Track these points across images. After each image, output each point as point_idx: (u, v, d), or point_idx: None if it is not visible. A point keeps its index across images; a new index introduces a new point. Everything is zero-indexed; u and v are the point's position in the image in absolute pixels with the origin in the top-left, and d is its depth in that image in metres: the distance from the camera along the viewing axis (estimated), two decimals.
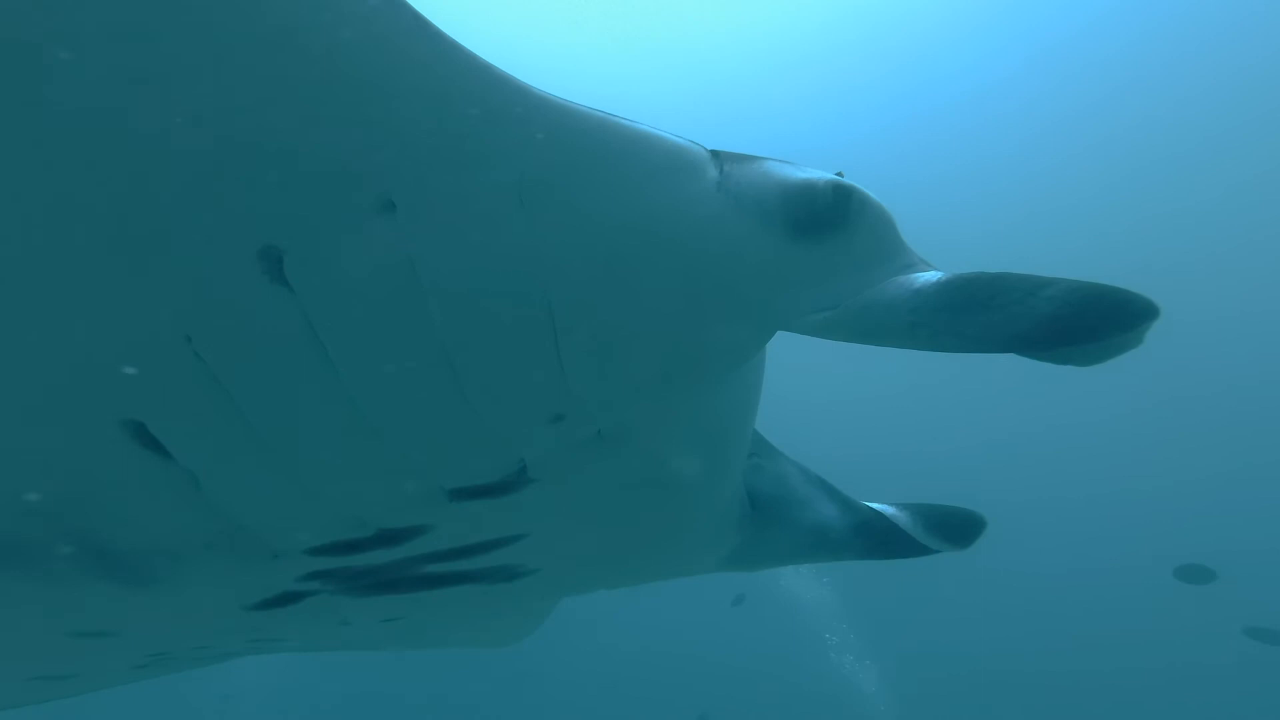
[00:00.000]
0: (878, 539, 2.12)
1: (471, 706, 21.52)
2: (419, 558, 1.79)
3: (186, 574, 1.63)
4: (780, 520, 2.18)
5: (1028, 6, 21.99)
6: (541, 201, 1.30)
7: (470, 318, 1.35)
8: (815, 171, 1.51)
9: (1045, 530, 23.42)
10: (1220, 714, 22.97)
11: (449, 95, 1.22)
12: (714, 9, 22.55)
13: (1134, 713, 23.18)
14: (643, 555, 2.17)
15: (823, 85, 24.04)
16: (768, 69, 23.69)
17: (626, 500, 1.84)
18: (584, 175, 1.32)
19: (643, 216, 1.37)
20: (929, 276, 1.46)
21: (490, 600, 2.18)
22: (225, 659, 2.50)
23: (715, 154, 1.46)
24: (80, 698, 2.62)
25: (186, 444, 1.39)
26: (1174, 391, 23.26)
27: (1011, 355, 1.46)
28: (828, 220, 1.47)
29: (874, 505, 2.17)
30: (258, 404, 1.36)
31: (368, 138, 1.20)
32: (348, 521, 1.62)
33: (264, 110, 1.13)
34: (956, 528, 2.09)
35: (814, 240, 1.47)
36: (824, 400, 23.71)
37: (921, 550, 2.10)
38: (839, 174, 1.53)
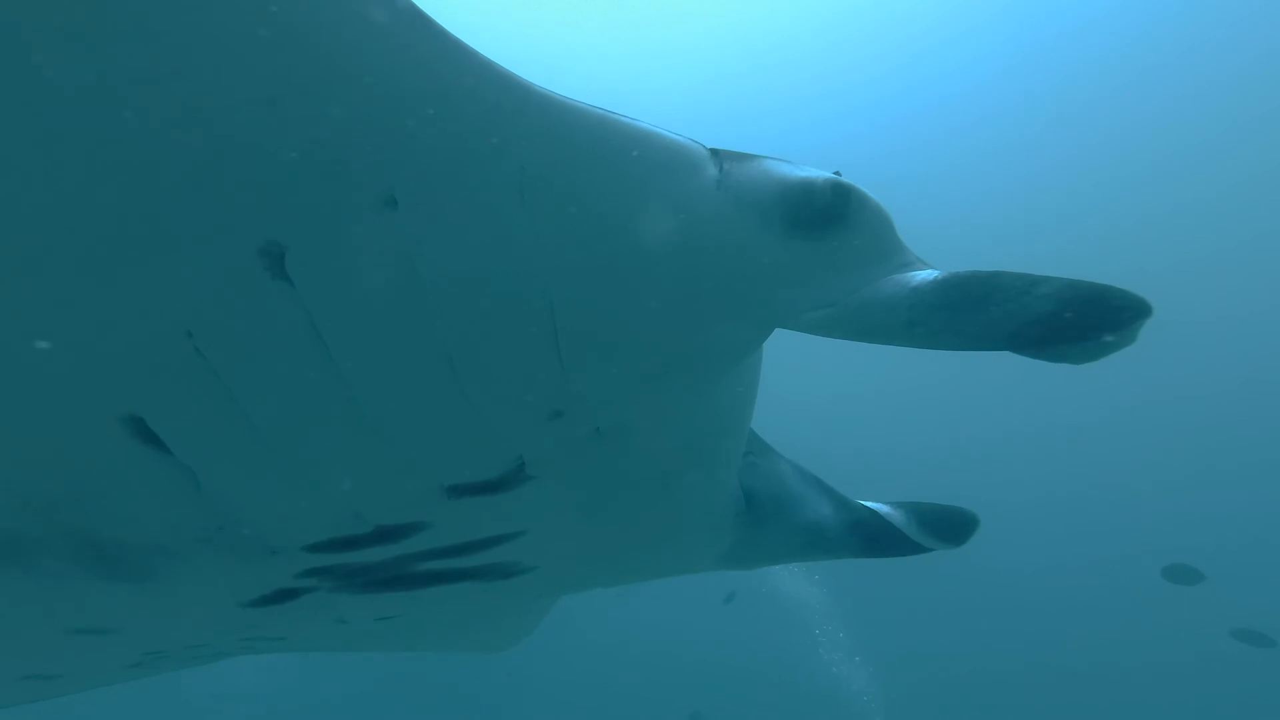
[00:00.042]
0: (872, 537, 2.13)
1: (463, 705, 21.46)
2: (417, 555, 1.79)
3: (183, 570, 1.63)
4: (776, 518, 2.19)
5: (1027, 7, 22.17)
6: (542, 198, 1.31)
7: (470, 314, 1.35)
8: (814, 170, 1.52)
9: (1035, 529, 23.52)
10: (1209, 714, 23.13)
11: (450, 92, 1.23)
12: (714, 8, 22.65)
13: (1123, 712, 23.32)
14: (639, 553, 2.18)
15: (820, 84, 24.14)
16: (766, 68, 23.78)
17: (624, 497, 1.85)
18: (585, 172, 1.33)
19: (643, 214, 1.38)
20: (925, 275, 1.48)
21: (487, 598, 2.18)
22: (219, 658, 2.50)
23: (715, 152, 1.47)
24: (72, 698, 2.61)
25: (185, 440, 1.39)
26: (1165, 392, 23.42)
27: (1004, 354, 1.48)
28: (826, 218, 1.48)
29: (868, 504, 2.18)
30: (257, 400, 1.36)
31: (369, 134, 1.20)
32: (346, 518, 1.62)
33: (266, 108, 1.13)
34: (950, 526, 2.10)
35: (812, 238, 1.48)
36: (818, 400, 23.76)
37: (916, 548, 2.12)
38: (837, 173, 1.55)
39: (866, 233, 1.53)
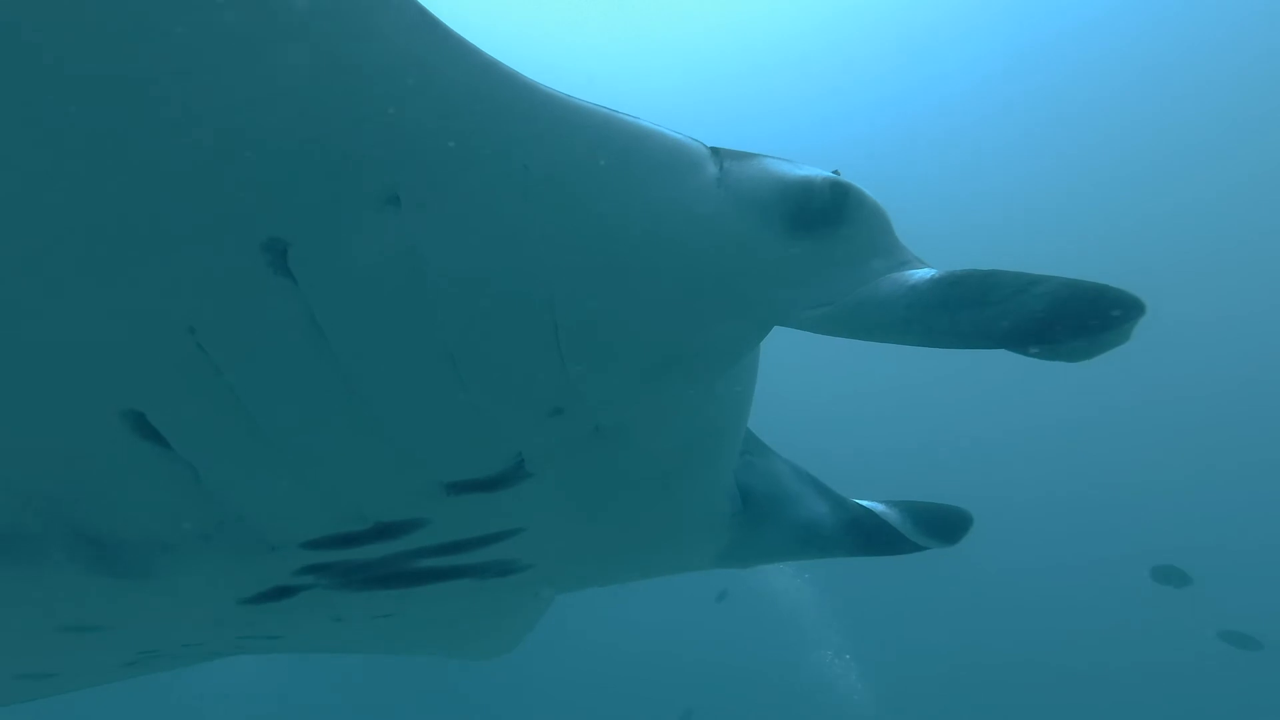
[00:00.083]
0: (868, 536, 2.14)
1: (455, 705, 21.39)
2: (415, 551, 1.79)
3: (182, 566, 1.63)
4: (772, 517, 2.20)
5: (1024, 6, 22.35)
6: (545, 196, 1.32)
7: (473, 311, 1.36)
8: (813, 169, 1.53)
9: (1026, 529, 23.63)
10: (1198, 713, 23.28)
11: (454, 91, 1.23)
12: (714, 8, 22.76)
13: (1112, 711, 23.44)
14: (636, 551, 2.19)
15: (818, 84, 24.30)
16: (765, 67, 23.92)
17: (622, 496, 1.86)
18: (587, 170, 1.34)
19: (644, 212, 1.39)
20: (923, 273, 1.49)
21: (484, 597, 2.18)
22: (214, 657, 2.49)
23: (715, 151, 1.48)
24: (62, 698, 2.59)
25: (186, 435, 1.39)
26: (1157, 393, 23.61)
27: (998, 353, 1.49)
28: (825, 217, 1.49)
29: (863, 502, 2.20)
30: (259, 396, 1.36)
31: (374, 133, 1.20)
32: (345, 514, 1.62)
33: (273, 107, 1.13)
34: (945, 524, 2.12)
35: (811, 237, 1.49)
36: (814, 399, 23.85)
37: (911, 547, 2.13)
38: (835, 172, 1.56)
39: (865, 231, 1.54)
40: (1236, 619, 13.99)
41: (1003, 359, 1.52)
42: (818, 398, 24.15)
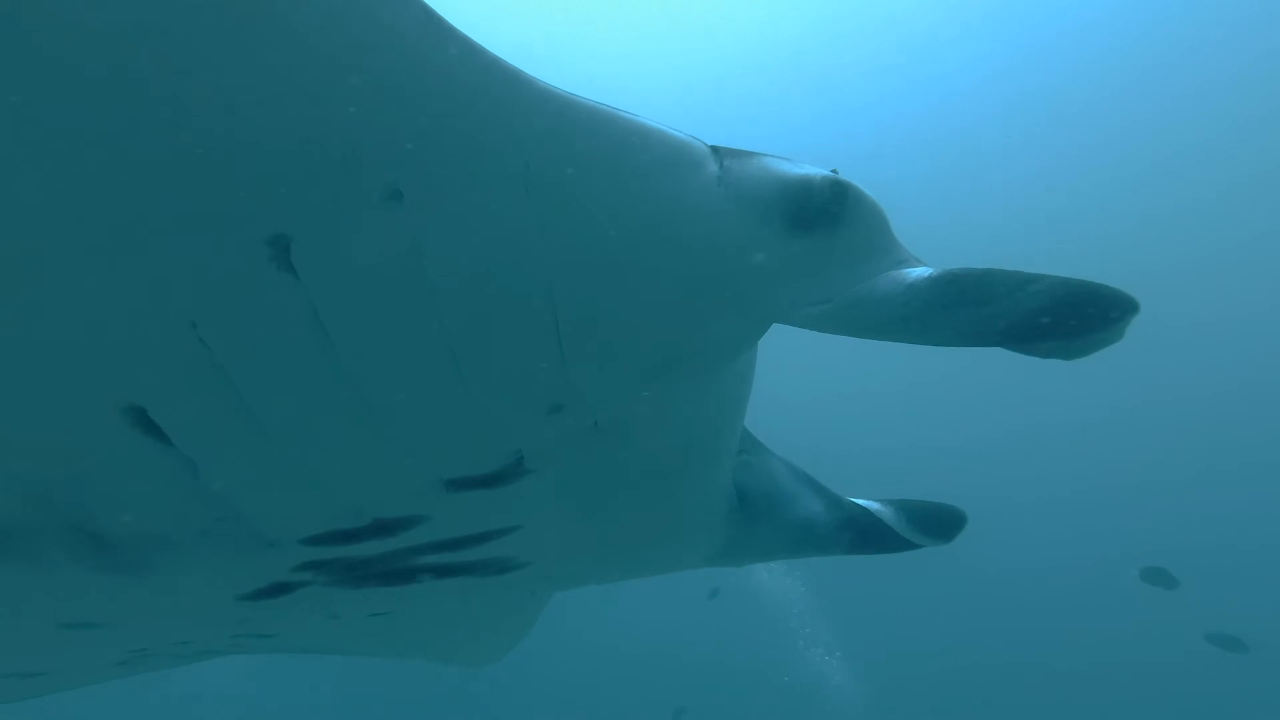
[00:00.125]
0: (863, 534, 2.16)
1: (447, 702, 21.33)
2: (414, 548, 1.79)
3: (180, 562, 1.62)
4: (768, 516, 2.21)
5: (1023, 6, 22.53)
6: (547, 193, 1.32)
7: (474, 307, 1.36)
8: (812, 168, 1.54)
9: (1017, 528, 23.78)
10: (1188, 714, 23.44)
11: (458, 88, 1.24)
12: (714, 7, 22.87)
13: (1101, 710, 23.58)
14: (633, 549, 2.19)
15: (817, 84, 24.44)
16: (763, 66, 24.04)
17: (620, 493, 1.87)
18: (590, 167, 1.35)
19: (646, 209, 1.40)
20: (920, 272, 1.50)
21: (481, 595, 2.18)
22: (206, 657, 2.48)
23: (715, 149, 1.49)
24: (50, 699, 2.57)
25: (187, 430, 1.38)
26: (1151, 394, 23.80)
27: (992, 352, 1.51)
28: (824, 216, 1.51)
29: (859, 501, 2.21)
30: (260, 391, 1.36)
31: (378, 129, 1.21)
32: (345, 510, 1.62)
33: (276, 102, 1.13)
34: (939, 523, 2.14)
35: (810, 235, 1.50)
36: (809, 398, 23.95)
37: (906, 545, 2.15)
38: (834, 171, 1.57)
39: (863, 230, 1.55)
40: (1226, 620, 14.10)
41: (996, 358, 1.54)
42: (812, 396, 24.26)
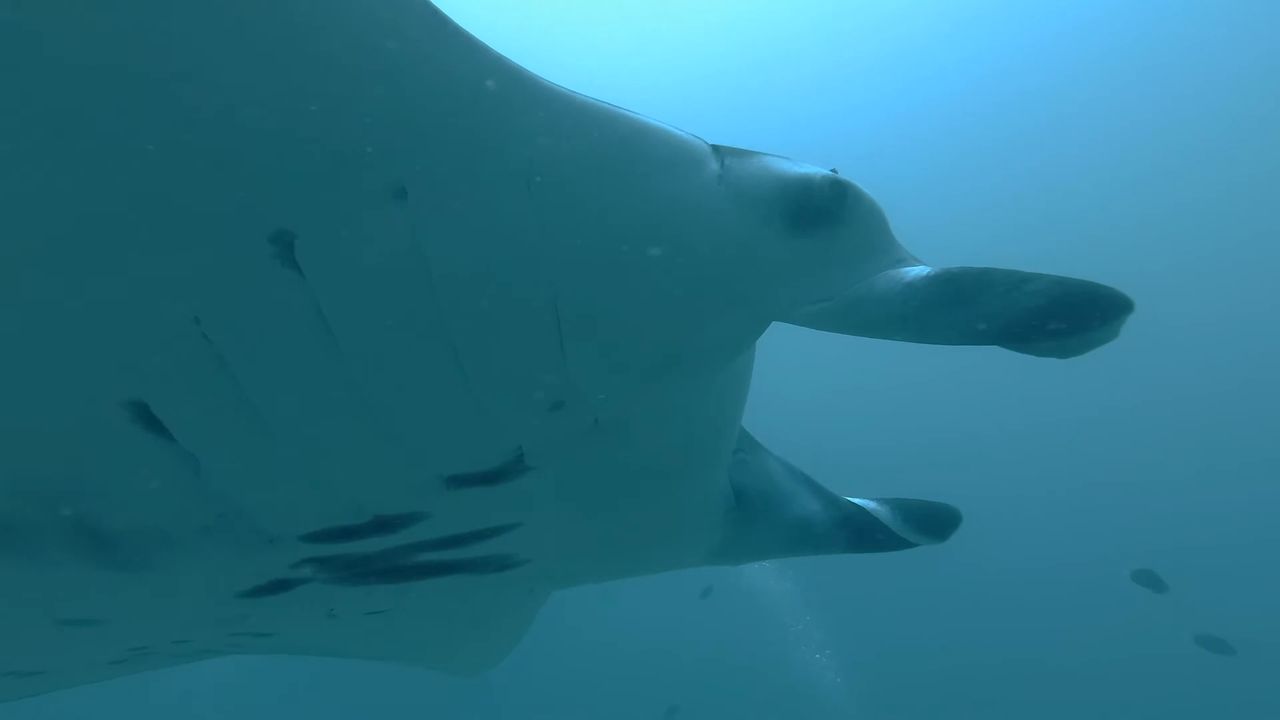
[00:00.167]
0: (859, 533, 2.17)
1: (442, 702, 21.27)
2: (413, 545, 1.79)
3: (181, 558, 1.62)
4: (765, 515, 2.22)
5: (1021, 6, 22.64)
6: (549, 191, 1.33)
7: (476, 305, 1.37)
8: (812, 167, 1.56)
9: (1007, 528, 23.83)
10: (1179, 713, 23.53)
11: (461, 85, 1.25)
12: (714, 7, 22.92)
13: (1092, 710, 23.67)
14: (632, 547, 2.20)
15: (816, 83, 24.53)
16: (763, 65, 24.11)
17: (619, 491, 1.87)
18: (592, 165, 1.35)
19: (647, 207, 1.41)
20: (918, 271, 1.52)
21: (480, 593, 2.19)
22: (204, 656, 2.47)
23: (716, 148, 1.50)
24: (43, 699, 2.56)
25: (189, 426, 1.39)
26: (1143, 394, 23.91)
27: (988, 352, 1.52)
28: (824, 214, 1.52)
29: (855, 500, 2.22)
30: (262, 387, 1.37)
31: (382, 127, 1.22)
32: (345, 507, 1.62)
33: (282, 102, 1.14)
34: (934, 521, 2.15)
35: (810, 234, 1.52)
36: (806, 397, 23.99)
37: (901, 544, 2.16)
38: (833, 170, 1.59)
39: (862, 229, 1.57)
40: (1218, 620, 14.16)
41: (992, 356, 1.55)
42: (809, 395, 24.33)
